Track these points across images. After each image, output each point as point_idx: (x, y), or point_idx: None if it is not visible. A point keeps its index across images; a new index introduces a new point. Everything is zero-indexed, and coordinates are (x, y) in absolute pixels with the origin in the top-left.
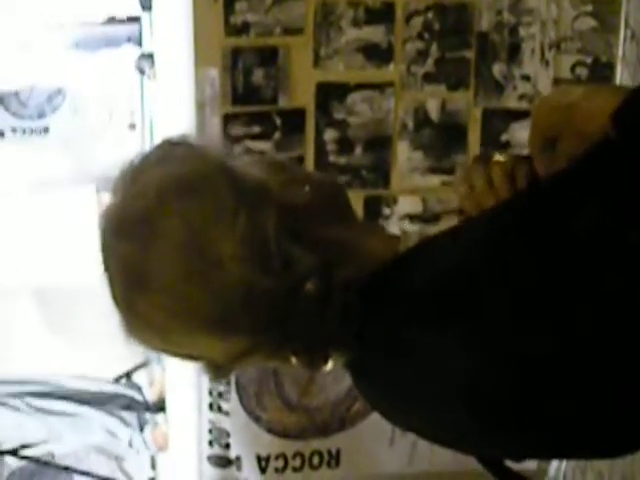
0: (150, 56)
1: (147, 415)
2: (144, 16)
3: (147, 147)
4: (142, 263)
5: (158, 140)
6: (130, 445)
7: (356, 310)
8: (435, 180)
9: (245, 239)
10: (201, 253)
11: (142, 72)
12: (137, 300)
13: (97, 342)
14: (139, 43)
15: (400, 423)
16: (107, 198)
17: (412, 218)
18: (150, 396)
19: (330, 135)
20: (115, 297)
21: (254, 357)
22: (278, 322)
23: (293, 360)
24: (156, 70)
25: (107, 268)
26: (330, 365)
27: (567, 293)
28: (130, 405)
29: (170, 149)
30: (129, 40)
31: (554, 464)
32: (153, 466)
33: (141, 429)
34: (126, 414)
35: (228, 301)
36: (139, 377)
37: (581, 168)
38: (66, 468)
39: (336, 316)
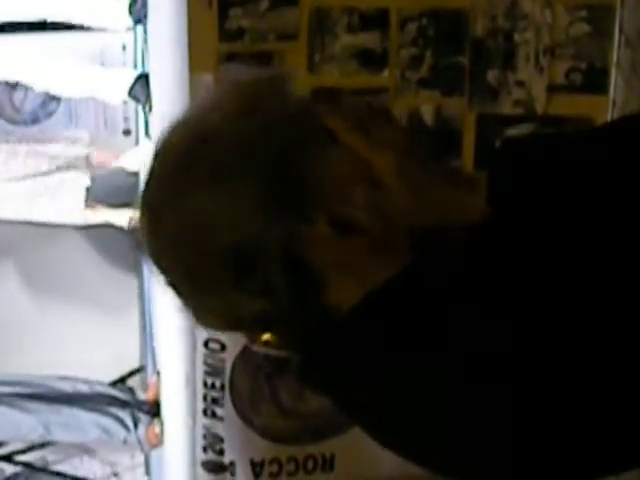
0: (146, 78)
1: (141, 414)
2: (137, 29)
3: (142, 153)
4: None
5: (153, 146)
6: (125, 443)
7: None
8: None
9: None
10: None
11: (137, 100)
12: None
13: (92, 346)
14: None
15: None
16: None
17: None
18: (144, 400)
19: None
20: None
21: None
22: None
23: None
24: (151, 97)
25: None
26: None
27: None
28: (124, 405)
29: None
30: (124, 49)
31: None
32: (147, 472)
33: (135, 427)
34: (120, 413)
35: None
36: (134, 382)
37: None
38: (59, 474)
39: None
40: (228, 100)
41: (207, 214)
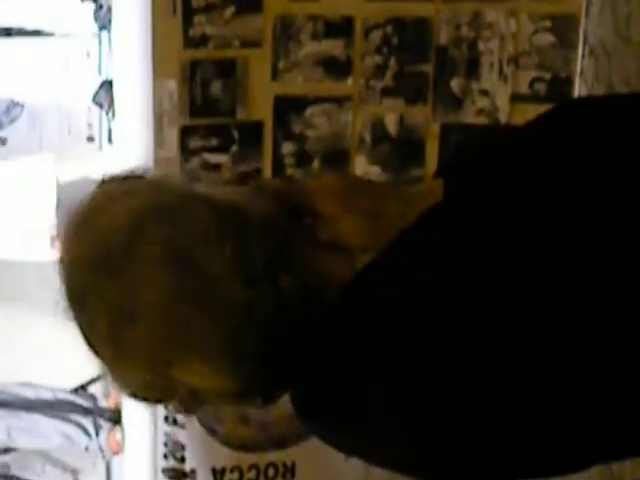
0: (109, 85)
1: (102, 421)
2: (102, 35)
3: (105, 160)
4: (128, 294)
5: (116, 152)
6: (86, 450)
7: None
8: None
9: (234, 260)
10: (192, 272)
11: (101, 106)
12: (125, 333)
13: (52, 352)
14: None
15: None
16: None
17: None
18: (106, 407)
19: (288, 148)
20: (98, 335)
21: (232, 399)
22: (264, 349)
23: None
24: (114, 104)
25: (85, 309)
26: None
27: None
28: (86, 411)
29: (129, 183)
30: (88, 56)
31: None
32: (108, 479)
33: (97, 434)
34: (82, 420)
35: (227, 321)
36: (95, 389)
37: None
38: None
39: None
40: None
41: None
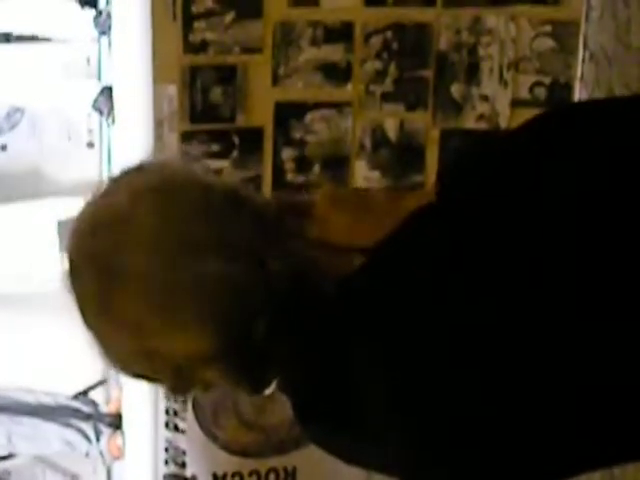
0: (109, 91)
1: (103, 427)
2: (102, 40)
3: (105, 165)
4: (119, 255)
5: (116, 158)
6: (87, 455)
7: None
8: None
9: (221, 235)
10: (179, 243)
11: (100, 112)
12: (113, 294)
13: (53, 357)
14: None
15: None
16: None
17: None
18: (106, 412)
19: (288, 154)
20: (87, 296)
21: (213, 369)
22: (246, 323)
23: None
24: (114, 109)
25: (78, 276)
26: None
27: None
28: (87, 417)
29: (139, 168)
30: (88, 61)
31: None
32: None
33: (97, 440)
34: (83, 425)
35: (206, 290)
36: (96, 395)
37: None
38: None
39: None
40: None
41: None
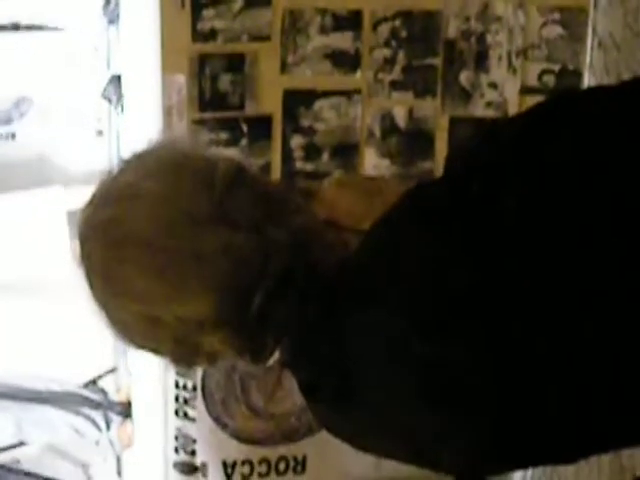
0: (118, 79)
1: (112, 415)
2: (110, 30)
3: (114, 154)
4: (124, 224)
5: (125, 147)
6: (97, 444)
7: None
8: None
9: (223, 207)
10: (182, 213)
11: (109, 100)
12: (117, 261)
13: (63, 345)
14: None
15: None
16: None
17: None
18: (116, 400)
19: (297, 142)
20: (93, 265)
21: (214, 336)
22: (246, 291)
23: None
24: (123, 98)
25: (86, 241)
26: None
27: None
28: (96, 405)
29: (149, 147)
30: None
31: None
32: (119, 473)
33: (107, 428)
34: (92, 413)
35: (207, 257)
36: (106, 383)
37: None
38: (30, 474)
39: (295, 298)
40: None
41: None
